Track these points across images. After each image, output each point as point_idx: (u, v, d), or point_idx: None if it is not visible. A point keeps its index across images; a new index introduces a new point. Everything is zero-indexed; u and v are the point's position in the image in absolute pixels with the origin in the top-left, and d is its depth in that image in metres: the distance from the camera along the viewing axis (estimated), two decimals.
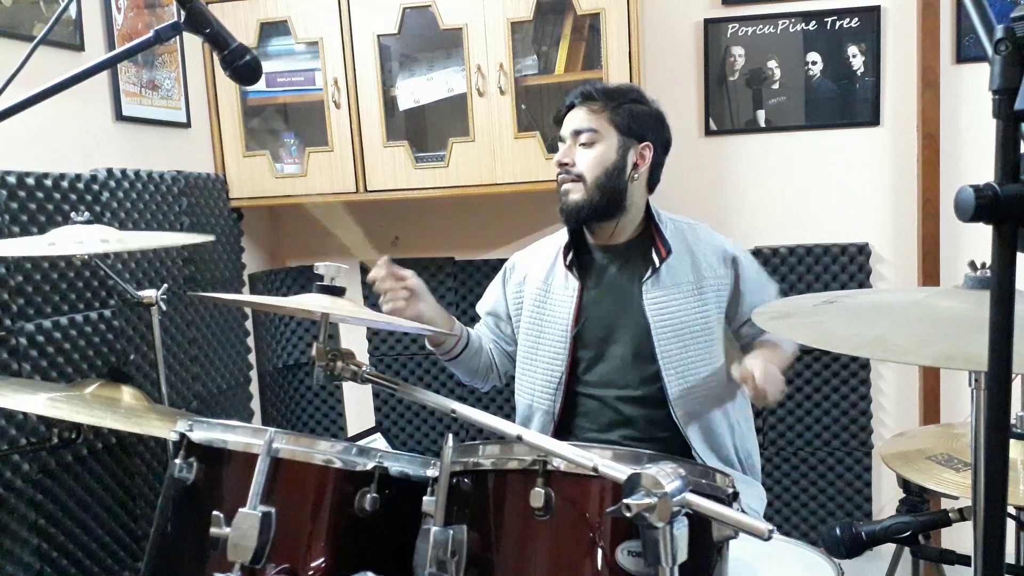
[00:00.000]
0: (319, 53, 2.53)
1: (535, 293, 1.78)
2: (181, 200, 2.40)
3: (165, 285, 2.01)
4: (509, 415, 1.71)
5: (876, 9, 2.56)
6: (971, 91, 2.53)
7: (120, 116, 2.21)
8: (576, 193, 1.69)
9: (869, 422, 2.71)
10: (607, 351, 1.73)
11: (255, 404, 2.81)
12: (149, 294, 1.92)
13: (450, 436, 1.13)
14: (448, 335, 1.77)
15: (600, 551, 1.04)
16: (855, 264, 2.65)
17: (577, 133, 1.70)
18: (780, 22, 2.61)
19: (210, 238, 2.05)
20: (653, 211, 1.77)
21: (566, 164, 1.70)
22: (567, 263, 1.75)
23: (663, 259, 1.70)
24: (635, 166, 1.70)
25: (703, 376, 1.71)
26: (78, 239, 1.64)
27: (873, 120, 2.61)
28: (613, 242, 1.76)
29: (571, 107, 1.74)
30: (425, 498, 1.15)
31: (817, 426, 2.73)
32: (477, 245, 2.91)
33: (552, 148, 2.47)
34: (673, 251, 1.72)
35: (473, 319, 1.95)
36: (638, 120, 1.71)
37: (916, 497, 1.54)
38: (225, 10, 2.55)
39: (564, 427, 1.76)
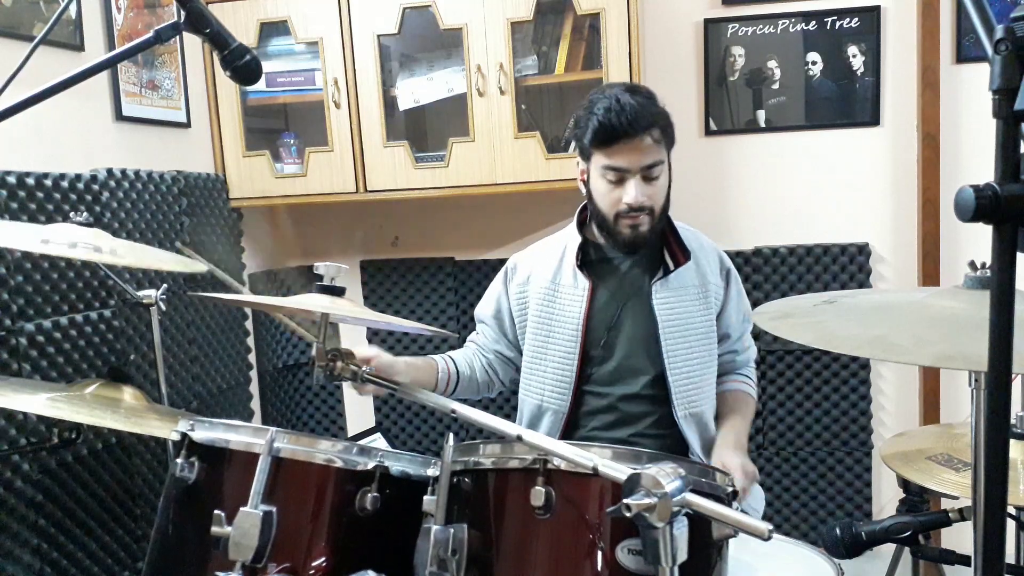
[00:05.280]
0: (319, 53, 2.53)
1: (542, 293, 1.77)
2: (181, 200, 2.39)
3: (165, 285, 2.01)
4: (509, 415, 1.71)
5: (876, 9, 2.56)
6: (971, 91, 2.53)
7: (120, 116, 2.21)
8: (646, 225, 1.65)
9: (869, 422, 2.71)
10: (615, 350, 1.73)
11: (255, 404, 2.81)
12: (149, 294, 1.91)
13: (451, 435, 1.13)
14: (433, 380, 1.74)
15: (600, 549, 1.04)
16: (855, 264, 2.65)
17: (649, 168, 1.62)
18: (780, 22, 2.61)
19: (201, 268, 1.97)
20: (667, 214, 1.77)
21: (645, 207, 1.63)
22: (578, 263, 1.74)
23: (679, 264, 1.70)
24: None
25: (705, 377, 1.73)
26: (71, 242, 1.62)
27: (873, 120, 2.61)
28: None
29: (625, 135, 1.58)
30: (426, 497, 1.15)
31: (817, 426, 2.73)
32: (477, 245, 2.91)
33: (552, 148, 2.47)
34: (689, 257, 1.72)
35: (473, 319, 1.94)
36: (672, 131, 1.69)
37: (916, 497, 1.54)
38: (225, 10, 2.55)
39: (573, 426, 1.76)
